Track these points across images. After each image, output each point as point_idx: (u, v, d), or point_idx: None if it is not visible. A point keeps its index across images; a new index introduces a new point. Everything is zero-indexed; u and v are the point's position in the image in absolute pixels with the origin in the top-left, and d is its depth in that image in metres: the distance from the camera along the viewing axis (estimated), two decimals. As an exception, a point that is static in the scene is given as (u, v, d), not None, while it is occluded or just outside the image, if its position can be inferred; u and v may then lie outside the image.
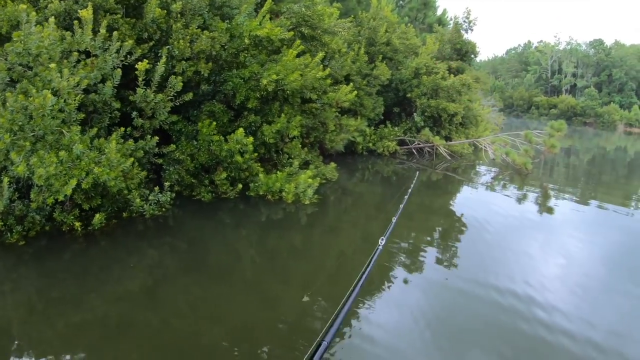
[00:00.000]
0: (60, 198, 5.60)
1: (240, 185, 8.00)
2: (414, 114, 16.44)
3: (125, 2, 7.80)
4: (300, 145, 9.32)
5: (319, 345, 0.94)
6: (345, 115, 12.15)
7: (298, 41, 8.70)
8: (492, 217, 8.87)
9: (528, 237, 7.95)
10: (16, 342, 3.89)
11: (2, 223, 5.71)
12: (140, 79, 7.04)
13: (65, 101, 6.13)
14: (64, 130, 6.00)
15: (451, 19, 25.36)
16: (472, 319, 4.89)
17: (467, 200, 10.89)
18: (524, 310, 5.08)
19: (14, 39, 6.21)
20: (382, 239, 2.22)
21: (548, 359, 4.27)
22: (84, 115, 6.56)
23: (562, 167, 19.34)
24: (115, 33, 6.98)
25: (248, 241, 6.75)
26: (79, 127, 6.19)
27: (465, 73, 19.06)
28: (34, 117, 5.75)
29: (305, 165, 9.64)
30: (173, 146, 7.60)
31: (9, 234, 5.72)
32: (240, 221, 7.40)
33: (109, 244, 6.00)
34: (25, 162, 5.56)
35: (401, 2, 32.99)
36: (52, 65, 6.03)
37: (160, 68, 7.17)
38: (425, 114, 16.14)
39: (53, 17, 6.65)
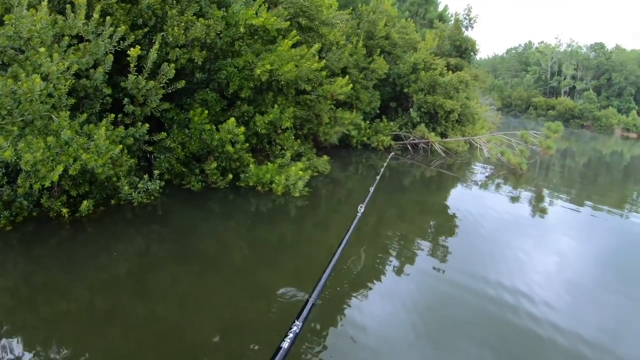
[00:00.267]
0: (47, 184, 5.56)
1: (230, 176, 7.97)
2: (410, 109, 16.42)
3: (121, -13, 7.71)
4: (293, 137, 9.28)
5: (306, 302, 0.95)
6: (341, 108, 12.11)
7: (294, 32, 8.64)
8: (485, 215, 8.90)
9: (521, 236, 8.00)
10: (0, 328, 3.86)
11: (-11, 208, 5.65)
12: (132, 65, 6.97)
13: (54, 86, 6.07)
14: (53, 116, 5.95)
15: (452, 16, 25.29)
16: (463, 312, 4.93)
17: (461, 198, 10.92)
18: (515, 304, 5.13)
19: (5, 22, 6.14)
20: (361, 207, 2.28)
21: (537, 351, 4.33)
22: (74, 100, 6.50)
23: (558, 168, 19.39)
24: (108, 18, 6.91)
25: (237, 232, 6.73)
26: (68, 112, 6.14)
27: (464, 70, 19.05)
28: (22, 101, 5.69)
29: (297, 157, 9.61)
30: (164, 134, 7.55)
31: (-5, 219, 5.67)
32: (229, 211, 7.38)
33: (96, 231, 5.97)
34: (13, 147, 5.50)
35: (402, -5, 32.86)
36: (42, 49, 5.96)
37: (153, 55, 7.11)
38: (422, 109, 16.11)
39: (46, 0, 6.56)
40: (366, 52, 15.00)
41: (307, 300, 0.90)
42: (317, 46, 8.97)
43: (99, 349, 3.73)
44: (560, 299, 5.46)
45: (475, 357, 4.13)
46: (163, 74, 7.39)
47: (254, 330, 4.19)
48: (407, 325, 4.48)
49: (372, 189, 3.38)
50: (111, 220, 6.31)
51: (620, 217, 10.48)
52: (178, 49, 7.78)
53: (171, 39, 7.70)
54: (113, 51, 6.97)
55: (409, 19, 19.60)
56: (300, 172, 8.14)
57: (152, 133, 7.51)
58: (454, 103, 16.14)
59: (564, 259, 6.98)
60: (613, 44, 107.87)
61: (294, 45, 8.91)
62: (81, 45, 6.81)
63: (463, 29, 20.88)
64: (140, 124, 7.21)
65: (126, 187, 6.60)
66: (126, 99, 7.24)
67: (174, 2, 7.97)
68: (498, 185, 12.68)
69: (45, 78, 5.98)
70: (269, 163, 8.37)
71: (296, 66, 8.36)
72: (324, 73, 9.41)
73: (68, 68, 6.25)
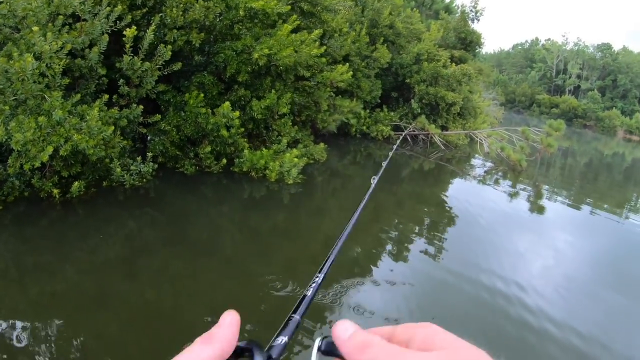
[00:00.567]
0: (37, 164, 5.49)
1: (224, 160, 7.89)
2: (412, 100, 16.30)
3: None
4: (290, 123, 9.19)
5: (327, 258, 0.93)
6: (340, 96, 12.01)
7: (294, 16, 8.50)
8: (483, 210, 8.90)
9: (519, 232, 8.04)
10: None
11: (-19, 187, 5.60)
12: (127, 45, 6.87)
13: (47, 65, 5.98)
14: (46, 95, 5.87)
15: (459, 8, 25.14)
16: (460, 302, 4.99)
17: (460, 192, 10.90)
18: (511, 296, 5.20)
19: (0, 0, 6.06)
20: (374, 178, 2.20)
21: (531, 341, 4.38)
22: (69, 80, 6.43)
23: (558, 167, 19.39)
24: None
25: (230, 217, 6.70)
26: (60, 92, 6.05)
27: (468, 63, 18.94)
28: (14, 81, 5.61)
29: (294, 143, 9.53)
30: (158, 116, 7.45)
31: (-13, 198, 5.61)
32: (222, 197, 7.34)
33: (87, 212, 5.93)
34: (4, 126, 5.43)
35: (409, -15, 32.63)
36: (35, 28, 5.87)
37: (149, 35, 7.01)
38: (423, 101, 16.00)
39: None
40: (369, 40, 14.82)
41: (328, 257, 0.90)
42: (317, 32, 8.84)
43: (88, 329, 3.71)
44: (555, 292, 5.54)
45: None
46: (159, 56, 7.29)
47: (246, 316, 4.17)
48: (405, 313, 4.52)
49: (384, 164, 3.39)
50: (102, 202, 6.27)
51: (619, 218, 10.49)
52: (176, 31, 7.67)
53: (169, 20, 7.59)
54: (110, 31, 6.87)
55: (415, 9, 19.45)
56: (295, 159, 8.07)
57: (148, 115, 7.43)
58: (456, 96, 16.04)
59: (561, 254, 7.05)
60: (620, 45, 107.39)
61: (295, 31, 8.80)
62: (78, 25, 6.71)
63: (469, 22, 20.74)
64: (135, 105, 7.12)
65: (118, 169, 6.54)
66: (121, 80, 7.14)
67: (173, -18, 7.84)
68: (498, 181, 12.66)
69: (38, 57, 5.89)
70: (264, 149, 8.29)
71: (295, 51, 8.25)
72: (324, 60, 9.29)
73: (62, 47, 6.15)
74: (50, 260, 4.77)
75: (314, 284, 0.83)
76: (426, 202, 9.42)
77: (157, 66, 7.35)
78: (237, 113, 7.68)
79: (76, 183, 5.97)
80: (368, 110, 15.30)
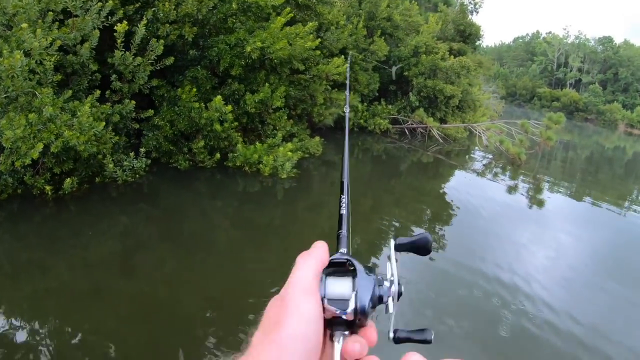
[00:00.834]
0: (27, 162, 5.46)
1: (218, 155, 7.86)
2: (410, 93, 16.21)
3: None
4: (286, 117, 9.13)
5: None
6: (336, 90, 11.94)
7: (288, 9, 8.44)
8: (484, 203, 8.91)
9: (519, 225, 8.07)
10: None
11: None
12: (119, 41, 6.84)
13: (37, 62, 5.97)
14: (37, 92, 5.84)
15: (458, 0, 25.02)
16: (459, 296, 5.03)
17: (459, 186, 10.89)
18: (512, 288, 5.28)
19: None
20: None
21: (529, 334, 4.42)
22: (61, 76, 6.43)
23: (560, 160, 19.38)
24: None
25: (224, 212, 6.70)
26: (51, 89, 6.03)
27: (467, 56, 18.84)
28: (4, 78, 5.58)
29: (290, 137, 9.48)
30: (151, 111, 7.43)
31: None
32: (216, 191, 7.32)
33: (79, 209, 5.93)
34: (-5, 123, 5.42)
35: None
36: (24, 25, 5.83)
37: (141, 30, 6.98)
38: (421, 94, 15.90)
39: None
40: (367, 33, 14.73)
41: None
42: (311, 24, 8.77)
43: (85, 324, 3.73)
44: (557, 283, 5.63)
45: (468, 338, 4.20)
46: (151, 50, 7.25)
47: (241, 311, 4.20)
48: (403, 307, 4.49)
49: (345, 160, 3.04)
50: (95, 199, 6.27)
51: (620, 210, 10.49)
52: (168, 25, 7.62)
53: (162, 14, 7.55)
54: (102, 27, 6.84)
55: (414, 1, 19.30)
56: (289, 154, 8.01)
57: (141, 110, 7.40)
58: (455, 88, 15.94)
59: (561, 252, 7.05)
60: (621, 39, 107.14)
61: (291, 24, 8.74)
62: (70, 21, 6.69)
63: (468, 14, 20.64)
64: (128, 100, 7.09)
65: (111, 165, 6.52)
66: (114, 76, 7.11)
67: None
68: (498, 174, 12.65)
69: (28, 54, 5.86)
70: (258, 143, 8.24)
71: (290, 44, 8.18)
72: (318, 52, 9.22)
73: (51, 44, 6.12)
74: (44, 256, 4.79)
75: (343, 204, 0.92)
76: (426, 196, 9.43)
77: (150, 61, 7.31)
78: (230, 107, 7.64)
79: (68, 180, 5.96)
80: (365, 104, 15.21)
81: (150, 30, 7.44)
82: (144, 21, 7.03)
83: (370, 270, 0.64)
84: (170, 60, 7.45)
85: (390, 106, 16.09)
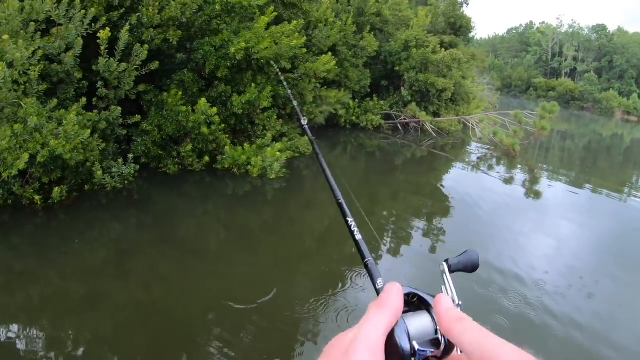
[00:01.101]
0: (14, 172, 5.46)
1: (207, 158, 7.86)
2: (402, 88, 16.20)
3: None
4: (275, 117, 9.12)
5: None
6: (325, 87, 11.92)
7: (272, 8, 8.41)
8: (481, 196, 8.98)
9: (519, 217, 8.15)
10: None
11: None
12: (102, 47, 6.85)
13: (21, 73, 5.98)
14: (22, 103, 5.86)
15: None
16: (462, 293, 4.96)
17: (455, 179, 10.95)
18: (513, 285, 5.26)
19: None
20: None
21: (533, 330, 4.44)
22: (47, 86, 6.46)
23: (558, 150, 19.42)
24: (77, 0, 6.79)
25: (215, 215, 6.73)
26: (35, 99, 6.07)
27: (460, 48, 18.83)
28: (-13, 89, 5.61)
29: (281, 137, 9.47)
30: (138, 117, 7.45)
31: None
32: (206, 195, 7.33)
33: (70, 217, 5.95)
34: (-19, 135, 5.44)
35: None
36: (5, 37, 5.86)
37: (124, 36, 6.99)
38: (413, 88, 15.89)
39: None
40: (356, 29, 14.71)
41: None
42: (296, 23, 8.74)
43: (82, 331, 3.75)
44: (557, 280, 5.57)
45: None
46: (136, 56, 7.26)
47: (238, 309, 4.22)
48: None
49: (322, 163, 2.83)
50: (85, 206, 6.29)
51: (619, 201, 10.54)
52: (152, 30, 7.63)
53: (146, 19, 7.55)
54: (86, 34, 6.85)
55: (404, -5, 19.28)
56: (278, 154, 7.99)
57: (129, 116, 7.41)
58: (447, 82, 15.93)
59: (563, 242, 7.13)
60: (615, 26, 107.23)
61: (277, 23, 8.72)
62: (53, 30, 6.72)
63: (458, 6, 20.64)
64: (114, 107, 7.11)
65: (99, 172, 6.53)
66: (100, 82, 7.12)
67: (150, -19, 7.78)
68: (494, 166, 12.71)
69: (11, 65, 5.87)
70: (247, 144, 8.24)
71: (275, 43, 8.17)
72: (303, 50, 9.20)
73: (33, 54, 6.14)
74: (36, 265, 4.81)
75: (354, 228, 0.97)
76: (423, 190, 9.49)
77: (135, 66, 7.31)
78: (215, 109, 7.65)
79: (56, 189, 5.97)
80: (357, 100, 15.20)
81: (135, 36, 7.45)
82: (127, 27, 7.05)
83: (433, 296, 0.61)
84: (155, 65, 7.45)
85: (382, 102, 16.08)
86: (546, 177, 12.34)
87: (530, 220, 7.89)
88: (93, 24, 6.92)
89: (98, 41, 6.80)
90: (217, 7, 8.01)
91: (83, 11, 6.81)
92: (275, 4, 9.59)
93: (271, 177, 7.90)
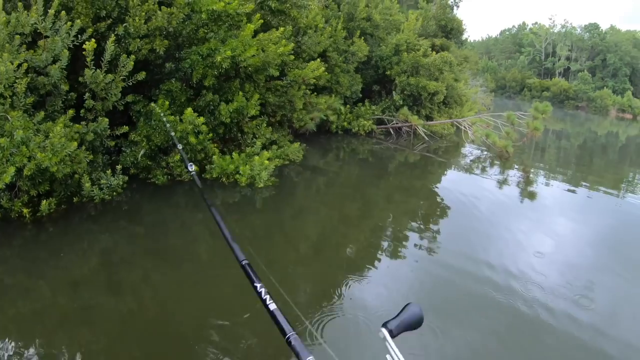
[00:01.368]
0: (0, 186, 5.48)
1: (196, 167, 7.80)
2: (393, 92, 16.25)
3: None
4: (265, 125, 9.13)
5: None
6: (315, 93, 11.95)
7: (258, 15, 8.45)
8: (477, 198, 9.02)
9: (516, 218, 8.21)
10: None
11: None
12: (88, 59, 6.89)
13: (6, 86, 6.02)
14: (8, 116, 5.91)
15: (438, -4, 25.15)
16: (461, 296, 5.04)
17: (450, 182, 11.00)
18: (512, 286, 5.26)
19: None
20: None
21: (535, 331, 4.42)
22: (33, 98, 6.48)
23: (553, 150, 19.51)
24: (63, 12, 6.85)
25: (206, 225, 6.73)
26: (21, 112, 6.11)
27: (453, 51, 18.94)
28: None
29: (272, 145, 9.49)
30: (126, 127, 7.47)
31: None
32: (196, 204, 7.35)
33: (59, 230, 5.94)
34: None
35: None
36: None
37: (110, 47, 7.03)
38: (405, 92, 15.94)
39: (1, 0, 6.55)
40: (347, 34, 14.78)
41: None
42: (282, 29, 8.78)
43: (75, 346, 3.72)
44: (558, 282, 5.57)
45: (475, 342, 4.19)
46: (122, 66, 7.28)
47: (235, 320, 4.21)
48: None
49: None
50: (74, 219, 6.27)
51: (617, 199, 10.62)
52: (139, 40, 7.67)
53: (132, 29, 7.58)
54: (72, 46, 6.90)
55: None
56: (266, 162, 8.00)
57: (116, 127, 7.44)
58: (438, 85, 15.99)
59: (562, 242, 7.14)
60: (607, 25, 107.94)
61: (265, 30, 8.75)
62: (40, 42, 6.76)
63: (449, 9, 20.77)
64: (101, 118, 7.14)
65: (87, 184, 6.54)
66: (87, 94, 7.15)
67: (137, -10, 7.82)
68: (490, 168, 12.73)
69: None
70: (235, 153, 8.27)
71: (262, 51, 8.19)
72: (292, 57, 9.23)
73: (18, 67, 6.19)
74: (26, 279, 4.79)
75: (266, 297, 0.86)
76: (417, 194, 9.52)
77: (122, 77, 7.33)
78: (202, 119, 7.67)
79: (44, 202, 6.00)
80: (349, 106, 15.25)
81: (122, 46, 7.51)
82: (112, 37, 7.09)
83: None
84: (142, 76, 7.48)
85: (374, 107, 16.14)
86: (542, 176, 12.42)
87: (528, 221, 7.97)
88: (79, 36, 6.96)
89: (84, 52, 6.84)
90: (204, 15, 8.05)
91: (69, 23, 6.85)
92: (263, 11, 9.64)
93: (259, 186, 7.93)
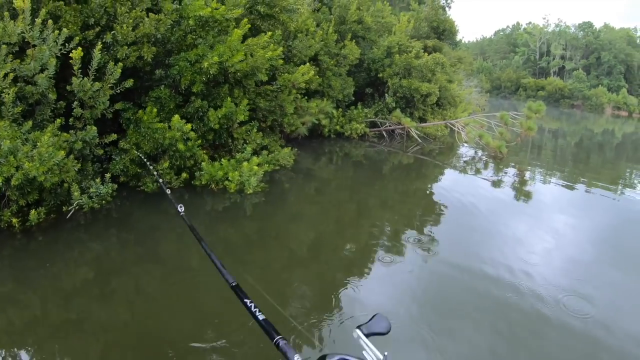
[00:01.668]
0: (-12, 197, 5.52)
1: (185, 174, 7.89)
2: (386, 94, 16.28)
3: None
4: (256, 130, 9.15)
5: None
6: (307, 98, 11.97)
7: (245, 20, 8.47)
8: (473, 199, 9.10)
9: (514, 218, 8.27)
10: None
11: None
12: (75, 67, 6.92)
13: None
14: None
15: (431, -3, 25.22)
16: (463, 295, 5.07)
17: (444, 184, 11.07)
18: (514, 283, 5.32)
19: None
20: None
21: (538, 329, 4.45)
22: (23, 107, 6.52)
23: (550, 149, 19.59)
24: (50, 22, 6.88)
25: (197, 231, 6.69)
26: (9, 122, 6.14)
27: (446, 52, 18.98)
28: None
29: (263, 150, 9.49)
30: (114, 135, 7.51)
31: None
32: (186, 211, 7.29)
33: (49, 239, 5.96)
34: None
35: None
36: None
37: (97, 55, 7.07)
38: (397, 94, 15.99)
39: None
40: (338, 37, 14.84)
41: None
42: (270, 34, 8.82)
43: (68, 356, 3.74)
44: (560, 276, 5.67)
45: (478, 341, 4.23)
46: (110, 74, 7.31)
47: (228, 331, 4.22)
48: (403, 312, 4.59)
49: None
50: (64, 227, 6.30)
51: (614, 197, 10.70)
52: (126, 47, 7.70)
53: (120, 37, 7.61)
54: (60, 54, 6.93)
55: (386, 1, 19.41)
56: (255, 168, 8.01)
57: (105, 135, 7.47)
58: (431, 86, 16.04)
59: (561, 240, 7.17)
60: (601, 23, 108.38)
61: (254, 35, 8.77)
62: (29, 51, 6.79)
63: (440, 10, 20.83)
64: (90, 127, 7.16)
65: (76, 193, 6.56)
66: (76, 102, 7.18)
67: (125, -2, 7.86)
68: (483, 169, 12.79)
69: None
70: (224, 159, 8.29)
71: (251, 55, 8.21)
72: (280, 61, 9.26)
73: (5, 77, 6.25)
74: (16, 289, 4.80)
75: (256, 310, 0.96)
76: (413, 197, 9.60)
77: (110, 85, 7.35)
78: (190, 126, 7.71)
79: (33, 211, 6.02)
80: (341, 109, 15.29)
81: (111, 54, 7.54)
82: (99, 45, 7.13)
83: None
84: (129, 83, 7.51)
85: (367, 109, 16.18)
86: (540, 176, 12.51)
87: (526, 221, 8.03)
88: (67, 44, 6.99)
89: (71, 61, 6.87)
90: (191, 21, 8.08)
91: (57, 31, 6.88)
92: (253, 15, 9.67)
93: (249, 192, 7.95)
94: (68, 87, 7.09)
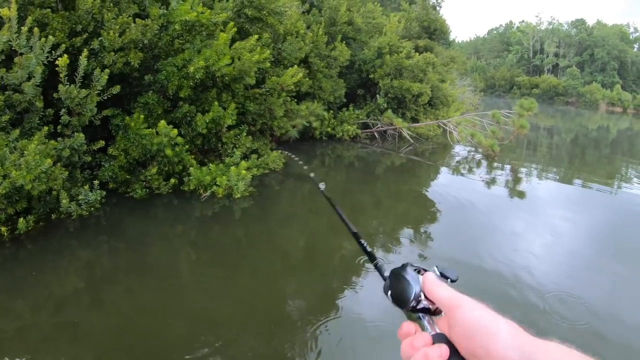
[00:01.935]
0: (-27, 206, 5.54)
1: (174, 180, 7.91)
2: (377, 95, 16.31)
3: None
4: (245, 134, 9.17)
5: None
6: (296, 100, 11.99)
7: (231, 24, 8.51)
8: (468, 198, 9.17)
9: (510, 217, 8.33)
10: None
11: None
12: (62, 74, 6.96)
13: None
14: None
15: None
16: (458, 291, 5.04)
17: (437, 183, 11.13)
18: (511, 278, 5.41)
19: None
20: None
21: (539, 324, 4.49)
22: (10, 116, 6.56)
23: (545, 146, 19.66)
24: (36, 29, 6.91)
25: (187, 237, 6.81)
26: None
27: (436, 51, 19.05)
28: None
29: (252, 154, 9.49)
30: (102, 142, 7.53)
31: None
32: (176, 217, 7.39)
33: (38, 247, 5.97)
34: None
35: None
36: None
37: (83, 61, 7.11)
38: (389, 95, 16.03)
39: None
40: (329, 39, 14.88)
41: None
42: (256, 36, 8.86)
43: None
44: (557, 277, 5.69)
45: None
46: (97, 81, 7.34)
47: (219, 337, 4.23)
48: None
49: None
50: (53, 235, 6.31)
51: (610, 193, 10.78)
52: (113, 53, 7.74)
53: (107, 43, 7.63)
54: (46, 62, 6.97)
55: (376, 2, 19.48)
56: (244, 172, 8.02)
57: (93, 142, 7.51)
58: (423, 86, 16.09)
59: (558, 238, 7.26)
60: (594, 20, 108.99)
61: (243, 38, 8.80)
62: (15, 60, 6.81)
63: (431, 10, 20.92)
64: (77, 134, 7.19)
65: (65, 200, 6.59)
66: (63, 110, 7.22)
67: (111, 4, 7.95)
68: (477, 168, 12.89)
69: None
70: (212, 164, 8.33)
71: (238, 59, 8.24)
72: (267, 64, 9.29)
73: None
74: (6, 298, 4.80)
75: (365, 244, 1.22)
76: (406, 197, 9.62)
77: (97, 91, 7.37)
78: (175, 131, 7.74)
79: (21, 219, 6.04)
80: (332, 111, 15.32)
81: (98, 60, 7.58)
82: (85, 52, 7.16)
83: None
84: (116, 89, 7.55)
85: (359, 111, 16.21)
86: (535, 173, 12.61)
87: (523, 219, 8.09)
88: (53, 52, 7.02)
89: (57, 69, 6.89)
90: (177, 26, 8.11)
91: (44, 39, 6.91)
92: (241, 19, 9.71)
93: (237, 197, 7.96)
94: (55, 95, 7.13)
